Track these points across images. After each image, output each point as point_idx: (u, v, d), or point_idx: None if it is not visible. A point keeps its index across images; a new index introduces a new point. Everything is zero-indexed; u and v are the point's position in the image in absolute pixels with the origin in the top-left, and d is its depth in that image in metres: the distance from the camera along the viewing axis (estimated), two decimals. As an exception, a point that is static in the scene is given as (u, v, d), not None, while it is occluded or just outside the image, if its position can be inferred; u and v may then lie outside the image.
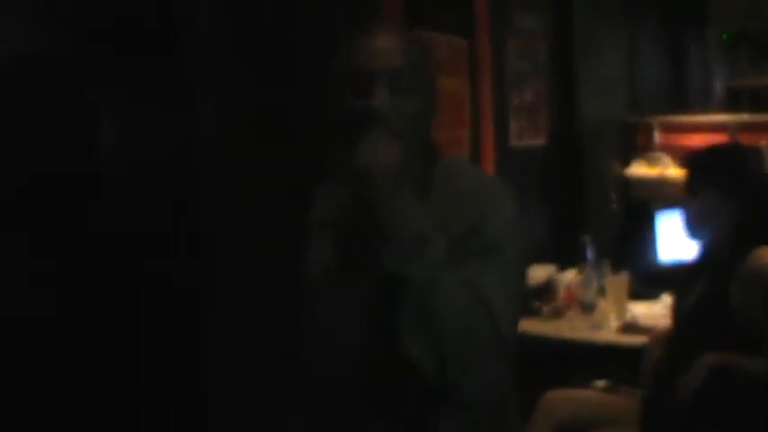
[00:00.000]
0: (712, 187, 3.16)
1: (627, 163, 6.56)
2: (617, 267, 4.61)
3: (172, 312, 3.56)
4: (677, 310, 3.37)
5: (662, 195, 6.19)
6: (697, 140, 6.45)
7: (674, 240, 5.09)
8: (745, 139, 6.13)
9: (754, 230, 3.10)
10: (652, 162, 6.42)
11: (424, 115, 1.93)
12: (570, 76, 5.82)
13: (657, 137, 6.64)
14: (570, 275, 4.65)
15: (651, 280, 4.85)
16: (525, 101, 5.31)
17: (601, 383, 4.15)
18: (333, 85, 1.91)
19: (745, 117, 6.51)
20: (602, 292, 4.44)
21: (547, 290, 4.65)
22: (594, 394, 3.92)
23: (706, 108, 7.34)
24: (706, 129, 6.57)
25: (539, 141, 5.48)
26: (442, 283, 1.71)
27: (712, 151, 3.68)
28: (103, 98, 3.53)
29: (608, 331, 4.32)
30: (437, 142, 2.04)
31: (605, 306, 4.40)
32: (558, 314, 4.53)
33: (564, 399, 3.72)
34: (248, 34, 3.73)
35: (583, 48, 5.90)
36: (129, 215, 3.53)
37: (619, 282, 4.46)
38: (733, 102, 7.61)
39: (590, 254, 4.58)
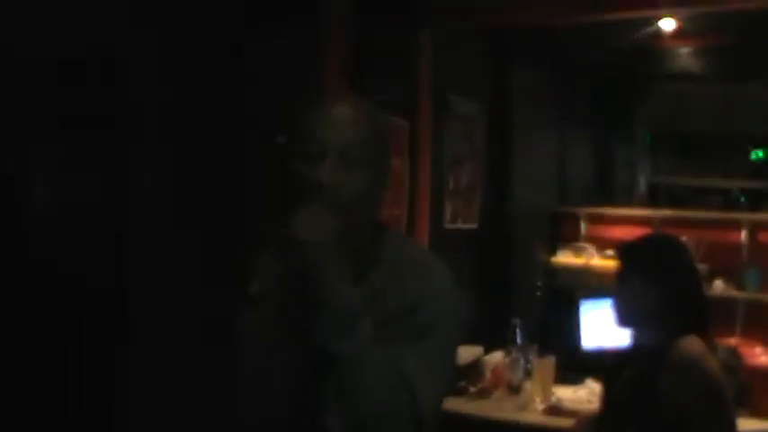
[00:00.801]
0: (640, 276, 3.19)
1: (553, 251, 6.73)
2: (543, 351, 4.67)
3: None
4: (606, 395, 3.43)
5: (585, 284, 6.34)
6: (621, 233, 6.66)
7: (597, 328, 5.22)
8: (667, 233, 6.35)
9: (680, 320, 3.15)
10: (577, 251, 6.60)
11: (374, 189, 1.92)
12: (505, 162, 5.99)
13: (583, 227, 6.84)
14: (497, 357, 4.72)
15: (574, 365, 4.95)
16: (461, 184, 5.44)
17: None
18: (284, 152, 1.92)
19: (667, 212, 6.73)
20: (528, 374, 4.50)
21: (474, 370, 4.71)
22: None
23: (630, 202, 7.56)
24: (630, 222, 6.79)
25: (471, 224, 5.59)
26: (367, 363, 1.72)
27: (641, 241, 3.78)
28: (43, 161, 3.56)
29: (533, 413, 4.40)
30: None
31: (531, 388, 4.48)
32: (484, 395, 4.59)
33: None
34: (190, 105, 3.77)
35: (518, 137, 6.09)
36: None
37: (545, 365, 4.54)
38: (652, 196, 7.87)
39: (519, 337, 4.65)
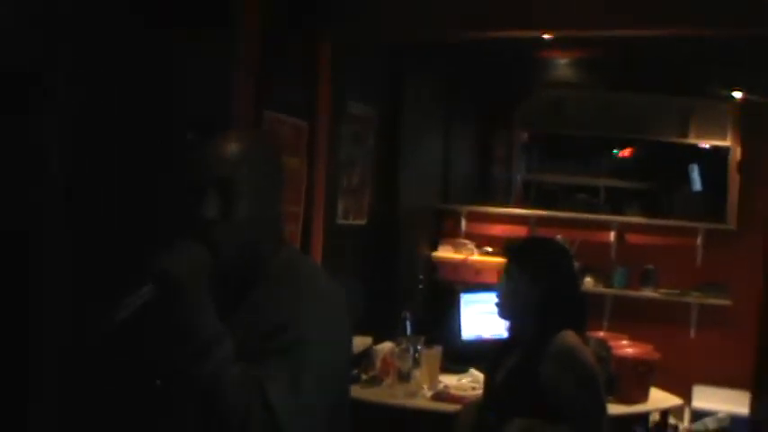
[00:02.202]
0: (525, 275, 3.45)
1: (435, 247, 7.05)
2: (429, 342, 4.95)
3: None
4: (488, 383, 3.71)
5: (465, 278, 6.68)
6: (499, 230, 7.04)
7: (476, 319, 5.54)
8: (543, 232, 6.76)
9: (558, 315, 3.42)
10: (457, 247, 6.93)
11: (260, 217, 2.03)
12: (394, 162, 6.28)
13: (464, 224, 7.19)
14: (387, 347, 4.98)
15: (455, 355, 5.23)
16: (352, 183, 5.70)
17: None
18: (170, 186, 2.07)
19: (542, 212, 7.13)
20: (416, 363, 4.77)
21: (365, 359, 4.95)
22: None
23: (506, 200, 7.93)
24: (507, 220, 7.17)
25: (360, 221, 5.87)
26: (224, 386, 1.83)
27: (528, 243, 4.10)
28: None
29: (422, 399, 4.69)
30: (277, 239, 2.12)
31: (420, 376, 4.75)
32: (376, 382, 4.84)
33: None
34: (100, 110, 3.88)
35: (406, 138, 6.38)
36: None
37: (432, 355, 4.83)
38: (525, 193, 8.26)
39: (408, 328, 4.92)
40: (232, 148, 2.02)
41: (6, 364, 3.60)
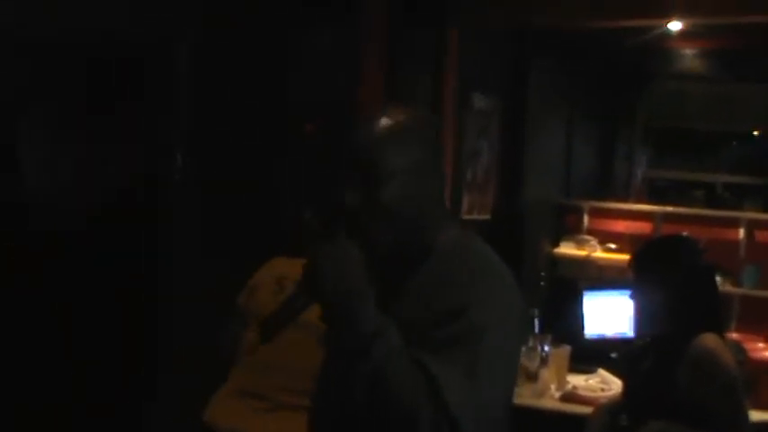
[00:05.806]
0: (649, 274, 3.40)
1: (556, 243, 6.92)
2: (557, 341, 4.85)
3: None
4: (626, 386, 3.62)
5: (587, 275, 6.53)
6: (622, 227, 6.87)
7: (599, 317, 5.40)
8: (668, 229, 6.56)
9: (694, 316, 3.34)
10: (580, 243, 6.78)
11: (412, 198, 1.90)
12: (517, 156, 6.17)
13: (586, 220, 7.02)
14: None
15: (579, 354, 5.08)
16: (477, 177, 5.61)
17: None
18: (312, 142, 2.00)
19: (668, 208, 6.92)
20: (543, 363, 4.66)
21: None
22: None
23: (627, 195, 7.76)
24: (631, 216, 6.99)
25: (485, 216, 5.78)
26: (389, 375, 1.72)
27: (653, 244, 3.98)
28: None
29: (551, 400, 4.58)
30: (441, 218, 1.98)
31: (547, 376, 4.64)
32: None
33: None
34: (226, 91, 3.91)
35: (529, 131, 6.27)
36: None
37: (561, 354, 4.71)
38: (647, 189, 8.07)
39: (537, 326, 4.83)
40: (373, 129, 1.91)
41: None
